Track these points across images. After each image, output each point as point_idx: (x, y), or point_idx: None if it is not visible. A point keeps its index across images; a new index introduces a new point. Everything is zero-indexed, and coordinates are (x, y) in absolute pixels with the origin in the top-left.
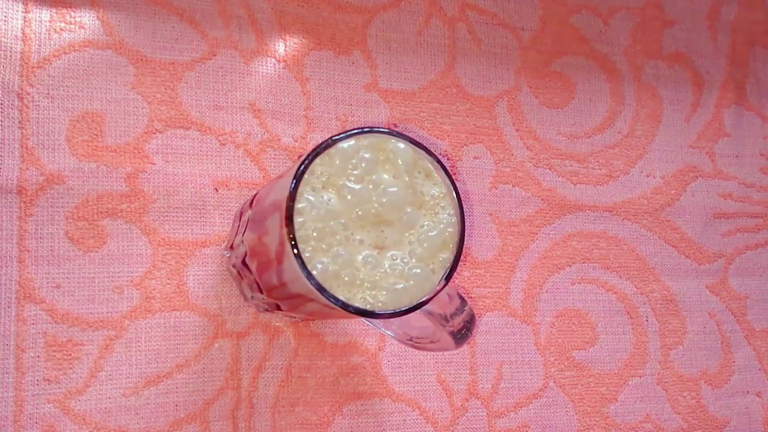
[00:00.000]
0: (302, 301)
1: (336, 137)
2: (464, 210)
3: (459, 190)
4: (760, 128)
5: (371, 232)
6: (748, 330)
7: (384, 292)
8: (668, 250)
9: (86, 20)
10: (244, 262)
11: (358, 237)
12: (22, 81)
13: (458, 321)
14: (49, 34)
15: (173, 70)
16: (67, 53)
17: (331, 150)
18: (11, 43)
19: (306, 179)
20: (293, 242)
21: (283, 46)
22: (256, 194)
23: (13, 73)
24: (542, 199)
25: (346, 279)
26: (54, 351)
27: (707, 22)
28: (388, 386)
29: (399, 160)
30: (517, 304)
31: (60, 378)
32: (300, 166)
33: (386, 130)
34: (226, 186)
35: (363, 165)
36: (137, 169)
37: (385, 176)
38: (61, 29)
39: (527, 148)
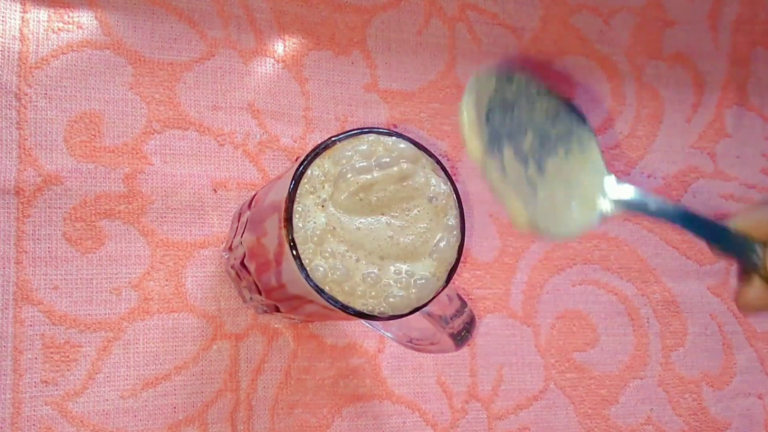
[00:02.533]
0: (301, 302)
1: (335, 138)
2: (464, 211)
3: (459, 191)
4: (762, 129)
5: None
6: (749, 331)
7: (388, 299)
8: (669, 251)
9: (84, 20)
10: (242, 264)
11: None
12: (20, 81)
13: (458, 323)
14: (47, 34)
15: (172, 71)
16: (65, 53)
17: (331, 150)
18: (9, 44)
19: (305, 180)
20: (292, 243)
21: (282, 46)
22: (254, 195)
23: (10, 74)
24: None
25: (347, 289)
26: (52, 353)
27: (708, 22)
28: (387, 388)
29: None
30: (517, 306)
31: (58, 380)
32: (299, 167)
33: (386, 131)
34: (225, 187)
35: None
36: (135, 170)
37: None
38: (59, 29)
39: None
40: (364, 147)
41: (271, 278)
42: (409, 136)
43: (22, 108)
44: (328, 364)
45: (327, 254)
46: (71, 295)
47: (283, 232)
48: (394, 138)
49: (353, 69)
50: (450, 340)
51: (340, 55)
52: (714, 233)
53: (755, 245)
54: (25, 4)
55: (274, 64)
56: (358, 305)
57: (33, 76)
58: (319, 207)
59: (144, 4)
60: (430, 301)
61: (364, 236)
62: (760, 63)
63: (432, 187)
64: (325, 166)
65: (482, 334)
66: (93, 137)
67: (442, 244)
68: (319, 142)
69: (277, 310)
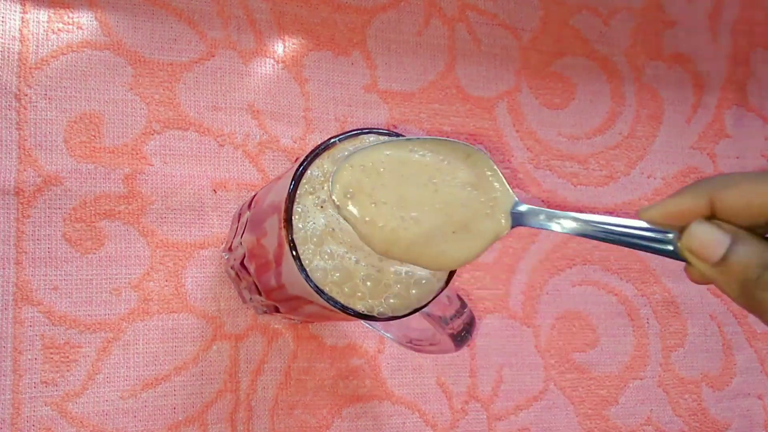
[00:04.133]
0: (301, 303)
1: (335, 138)
2: None
3: None
4: (761, 129)
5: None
6: (749, 332)
7: (388, 300)
8: None
9: (84, 21)
10: (242, 264)
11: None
12: (20, 82)
13: (458, 323)
14: (46, 34)
15: (171, 71)
16: (65, 54)
17: (331, 151)
18: (9, 44)
19: (305, 181)
20: (292, 244)
21: (282, 47)
22: (254, 196)
23: (10, 74)
24: (543, 201)
25: (347, 290)
26: (51, 353)
27: (708, 23)
28: (387, 389)
29: None
30: (517, 307)
31: (57, 380)
32: (299, 167)
33: (386, 131)
34: (225, 187)
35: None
36: (135, 171)
37: None
38: (58, 30)
39: (527, 149)
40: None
41: (270, 279)
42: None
43: (21, 108)
44: (328, 365)
45: (326, 255)
46: (71, 296)
47: (283, 232)
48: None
49: (353, 69)
50: (450, 341)
51: (339, 55)
52: (622, 235)
53: (669, 233)
54: (25, 4)
55: (273, 65)
56: (358, 306)
57: (33, 77)
58: (319, 207)
59: (144, 4)
60: (429, 302)
61: None
62: (760, 64)
63: None
64: (325, 166)
65: (482, 335)
66: (93, 138)
67: None
68: (319, 142)
69: (277, 310)
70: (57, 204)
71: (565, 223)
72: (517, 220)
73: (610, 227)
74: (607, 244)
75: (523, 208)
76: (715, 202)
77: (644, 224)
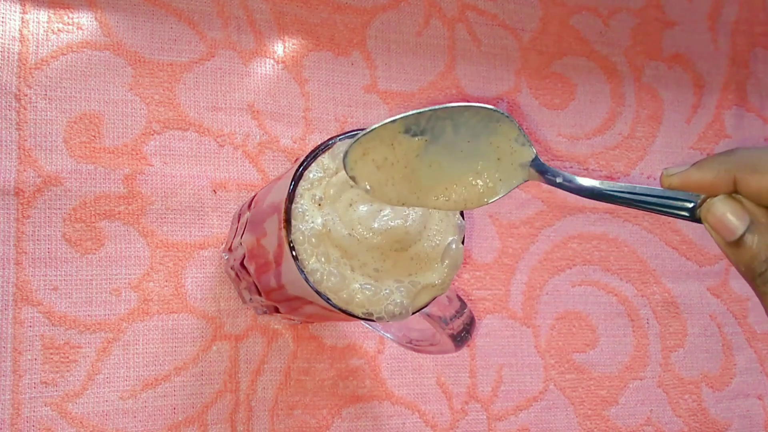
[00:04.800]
0: (301, 303)
1: (335, 138)
2: (464, 212)
3: None
4: (761, 129)
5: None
6: (749, 332)
7: (388, 307)
8: (669, 252)
9: (84, 21)
10: (242, 264)
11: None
12: (20, 82)
13: (458, 323)
14: (46, 35)
15: (171, 71)
16: (65, 54)
17: (330, 151)
18: (9, 45)
19: (304, 181)
20: (291, 245)
21: (281, 47)
22: (254, 196)
23: (10, 75)
24: (542, 201)
25: (345, 296)
26: (51, 354)
27: (708, 23)
28: (387, 389)
29: None
30: (517, 307)
31: (57, 381)
32: (299, 168)
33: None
34: (225, 188)
35: None
36: (135, 171)
37: None
38: (58, 30)
39: None
40: None
41: (270, 279)
42: None
43: (21, 109)
44: (328, 365)
45: (323, 258)
46: (71, 296)
47: (283, 233)
48: None
49: (353, 70)
50: (450, 341)
51: (339, 56)
52: (639, 201)
53: (689, 202)
54: (25, 5)
55: (273, 65)
56: (358, 312)
57: (33, 77)
58: (317, 206)
59: (144, 4)
60: (429, 302)
61: (357, 242)
62: (760, 64)
63: None
64: (324, 162)
65: (482, 335)
66: (93, 138)
67: (453, 247)
68: (319, 142)
69: (277, 311)
70: (57, 204)
71: (583, 182)
72: (536, 171)
73: (629, 190)
74: (607, 244)
75: (541, 162)
76: (739, 182)
77: (662, 191)
